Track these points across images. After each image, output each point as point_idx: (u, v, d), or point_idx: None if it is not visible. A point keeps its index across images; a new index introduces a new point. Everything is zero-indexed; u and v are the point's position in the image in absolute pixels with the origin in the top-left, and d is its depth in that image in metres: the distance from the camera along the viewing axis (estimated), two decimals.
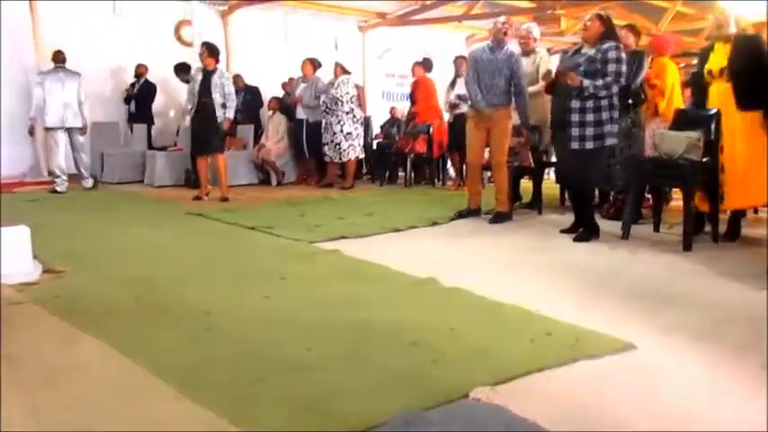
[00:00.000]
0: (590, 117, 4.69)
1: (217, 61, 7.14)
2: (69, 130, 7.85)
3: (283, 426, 1.98)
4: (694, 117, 4.94)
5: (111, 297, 3.35)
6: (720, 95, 4.76)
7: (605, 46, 4.69)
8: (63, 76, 7.78)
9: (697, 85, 5.06)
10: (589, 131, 4.70)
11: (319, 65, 8.65)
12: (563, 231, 5.11)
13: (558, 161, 5.32)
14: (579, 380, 2.37)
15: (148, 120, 9.39)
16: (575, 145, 4.73)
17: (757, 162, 4.60)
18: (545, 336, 2.76)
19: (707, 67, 4.83)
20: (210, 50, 7.10)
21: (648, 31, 10.56)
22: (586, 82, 4.61)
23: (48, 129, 7.77)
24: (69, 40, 8.24)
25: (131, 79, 9.35)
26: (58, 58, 7.82)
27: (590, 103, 4.69)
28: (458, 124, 7.81)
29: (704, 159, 4.67)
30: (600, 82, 4.63)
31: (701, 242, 4.76)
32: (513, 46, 5.91)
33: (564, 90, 4.78)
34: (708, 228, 4.95)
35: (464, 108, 7.40)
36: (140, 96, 9.27)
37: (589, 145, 4.71)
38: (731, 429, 2.01)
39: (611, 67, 4.65)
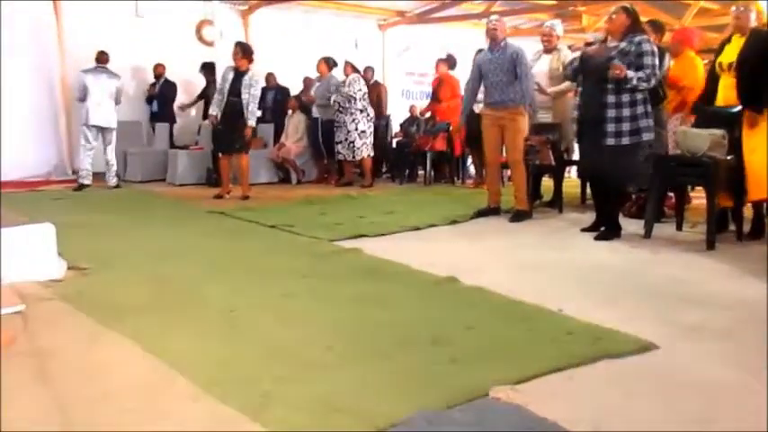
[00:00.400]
0: (626, 112, 4.61)
1: (250, 62, 7.13)
2: (104, 130, 7.98)
3: (304, 424, 1.99)
4: (718, 114, 4.88)
5: (134, 294, 3.39)
6: (726, 90, 4.72)
7: (638, 38, 4.60)
8: (105, 76, 7.97)
9: (709, 77, 4.99)
10: (626, 126, 4.61)
11: (335, 64, 8.68)
12: (584, 230, 5.07)
13: (586, 158, 5.12)
14: (600, 379, 2.36)
15: (170, 119, 9.48)
16: (611, 141, 4.63)
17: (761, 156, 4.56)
18: (566, 335, 2.75)
19: (719, 59, 4.77)
20: (244, 51, 7.12)
21: (671, 26, 10.44)
22: (631, 73, 4.51)
23: (85, 125, 7.90)
24: (93, 39, 8.35)
25: (153, 79, 9.44)
26: (102, 58, 8.00)
27: (626, 98, 4.60)
28: (474, 122, 7.80)
29: (728, 157, 4.62)
30: (642, 74, 4.54)
31: (725, 241, 4.70)
32: (512, 41, 5.89)
33: (595, 84, 4.69)
34: (732, 227, 4.89)
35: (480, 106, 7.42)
36: (162, 96, 9.37)
37: (625, 140, 4.63)
38: (756, 430, 1.99)
39: (648, 60, 4.56)
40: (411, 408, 2.05)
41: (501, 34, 5.77)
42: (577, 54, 5.15)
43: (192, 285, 3.60)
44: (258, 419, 2.00)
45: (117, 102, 8.08)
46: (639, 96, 4.65)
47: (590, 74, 4.78)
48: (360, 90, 8.29)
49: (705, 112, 5.05)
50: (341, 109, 8.28)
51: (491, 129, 5.83)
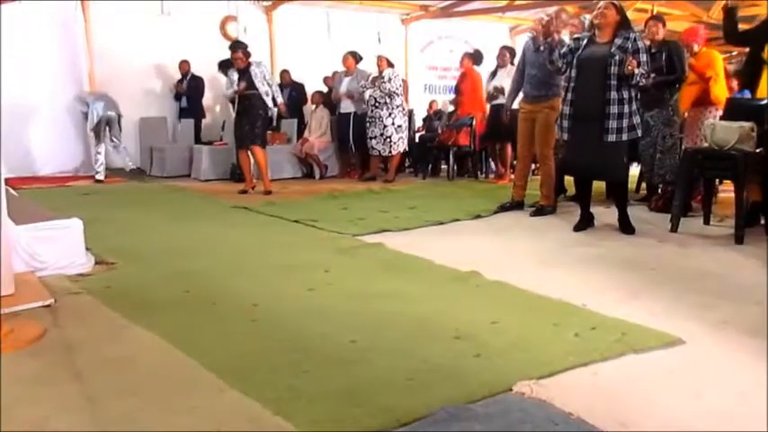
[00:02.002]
0: (626, 108, 4.61)
1: (246, 55, 7.13)
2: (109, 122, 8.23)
3: (327, 418, 2.00)
4: (747, 107, 4.79)
5: (160, 289, 3.43)
6: None
7: (633, 35, 4.63)
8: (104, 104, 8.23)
9: (751, 65, 4.88)
10: (625, 123, 4.61)
11: (360, 58, 8.69)
12: (576, 229, 4.97)
13: (577, 154, 4.85)
14: (625, 375, 2.33)
15: (199, 114, 9.57)
16: (611, 137, 4.60)
17: None
18: (590, 330, 2.73)
19: None
20: (243, 51, 7.13)
21: (699, 18, 10.26)
22: (638, 70, 4.49)
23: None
24: (119, 38, 8.46)
25: (178, 75, 9.52)
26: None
27: (626, 94, 4.60)
28: (495, 115, 7.79)
29: (758, 150, 4.53)
30: (642, 70, 4.54)
31: (754, 235, 4.62)
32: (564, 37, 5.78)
33: (595, 80, 4.63)
34: (762, 221, 4.80)
35: (501, 99, 7.38)
36: (191, 91, 9.44)
37: (624, 137, 4.63)
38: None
39: (643, 57, 4.58)
40: (434, 402, 2.05)
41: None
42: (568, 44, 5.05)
43: (217, 280, 3.63)
44: (281, 413, 2.01)
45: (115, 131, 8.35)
46: (634, 93, 4.66)
47: (588, 69, 4.68)
48: (400, 86, 8.33)
49: (733, 104, 4.97)
50: (377, 104, 8.26)
51: (524, 123, 5.78)
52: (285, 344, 2.63)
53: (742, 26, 5.28)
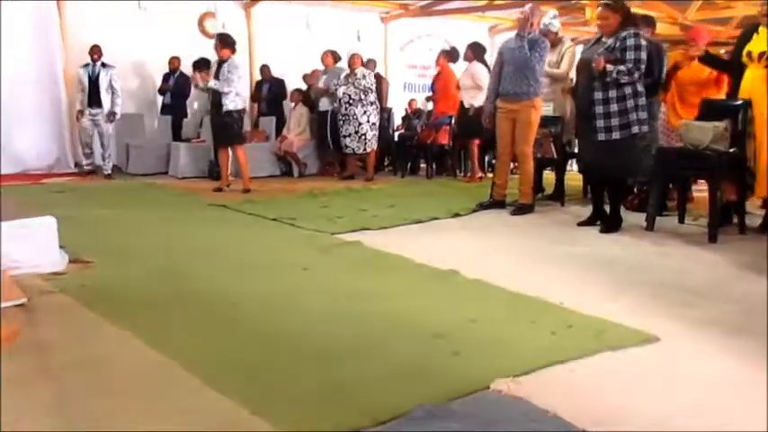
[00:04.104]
0: (614, 107, 4.64)
1: (232, 51, 7.10)
2: (95, 119, 8.10)
3: (305, 416, 2.00)
4: (721, 107, 4.86)
5: (136, 287, 3.40)
6: (755, 80, 4.64)
7: (623, 34, 4.65)
8: (97, 68, 8.17)
9: (732, 66, 4.92)
10: (615, 121, 4.65)
11: (340, 58, 8.69)
12: (581, 224, 5.06)
13: (583, 153, 5.22)
14: (602, 372, 2.36)
15: (181, 112, 9.47)
16: (601, 136, 4.67)
17: None
18: (567, 328, 2.75)
19: (747, 47, 4.70)
20: (223, 41, 7.09)
21: (675, 19, 10.38)
22: (610, 67, 4.55)
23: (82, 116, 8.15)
24: (96, 36, 8.35)
25: (158, 72, 9.41)
26: (94, 53, 8.19)
27: (613, 93, 4.64)
28: (463, 116, 7.86)
29: (731, 149, 4.60)
30: (622, 67, 4.57)
31: (728, 234, 4.69)
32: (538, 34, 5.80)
33: (586, 81, 4.73)
34: (735, 219, 4.87)
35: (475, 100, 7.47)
36: (177, 89, 9.34)
37: (616, 135, 4.66)
38: (756, 423, 1.98)
39: (630, 55, 4.60)
40: (412, 400, 2.05)
41: (529, 25, 5.63)
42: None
43: (194, 278, 3.60)
44: (259, 412, 2.00)
45: (114, 93, 8.25)
46: (629, 90, 4.67)
47: (582, 70, 4.83)
48: (373, 83, 8.34)
49: (708, 104, 5.04)
50: (351, 101, 8.25)
51: (504, 121, 5.78)
52: (263, 343, 2.62)
53: (716, 29, 5.29)
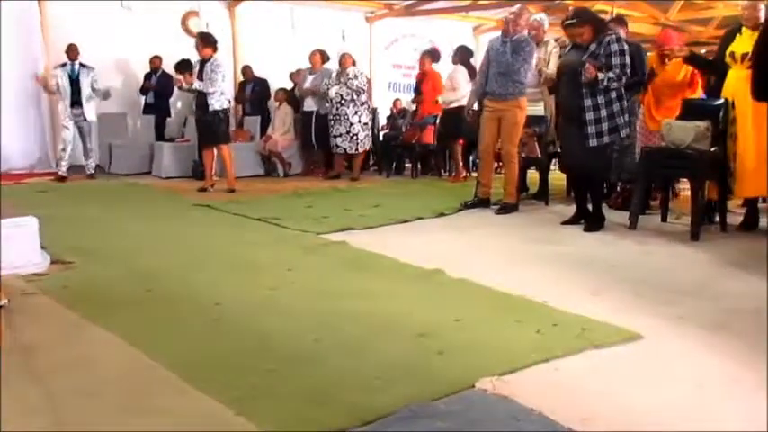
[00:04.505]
0: (604, 112, 4.71)
1: (214, 50, 7.07)
2: (77, 119, 8.00)
3: (290, 417, 1.99)
4: (702, 107, 4.91)
5: (119, 288, 3.37)
6: (738, 81, 4.67)
7: (606, 39, 4.70)
8: (76, 68, 8.02)
9: (716, 67, 4.96)
10: (605, 126, 4.72)
11: (328, 58, 8.67)
12: (564, 223, 5.10)
13: (567, 155, 5.21)
14: (586, 370, 2.37)
15: (165, 112, 9.41)
16: (593, 142, 4.72)
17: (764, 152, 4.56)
18: (551, 326, 2.77)
19: (730, 48, 4.75)
20: (204, 40, 7.06)
21: (657, 19, 10.47)
22: (601, 75, 4.59)
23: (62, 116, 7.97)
24: (78, 35, 8.27)
25: (141, 71, 9.34)
26: (71, 53, 8.01)
27: (601, 99, 4.69)
28: (447, 117, 7.89)
29: (712, 149, 4.65)
30: (611, 74, 4.63)
31: (709, 232, 4.75)
32: (525, 35, 5.81)
33: (573, 87, 4.74)
34: (716, 218, 4.93)
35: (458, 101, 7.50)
36: (160, 88, 9.27)
37: (606, 139, 4.75)
38: (740, 419, 2.01)
39: (616, 60, 4.66)
40: (398, 400, 2.05)
41: (513, 28, 5.68)
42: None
43: (178, 278, 3.58)
44: (244, 413, 1.99)
45: (97, 93, 8.14)
46: (614, 95, 4.74)
47: (566, 76, 4.84)
48: (365, 83, 8.35)
49: (689, 104, 5.08)
50: (342, 101, 8.22)
51: (490, 121, 5.80)
52: (248, 343, 2.61)
53: (697, 29, 5.35)
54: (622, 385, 2.24)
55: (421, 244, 4.54)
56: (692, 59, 5.20)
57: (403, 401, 2.04)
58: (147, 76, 9.29)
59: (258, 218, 5.40)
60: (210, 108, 6.98)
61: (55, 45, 8.47)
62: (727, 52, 4.76)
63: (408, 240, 4.68)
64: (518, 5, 5.87)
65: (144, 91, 9.35)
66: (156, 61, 9.19)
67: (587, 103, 4.70)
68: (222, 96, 7.08)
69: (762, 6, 4.69)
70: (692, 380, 2.29)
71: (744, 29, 4.73)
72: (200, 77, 6.97)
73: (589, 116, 4.71)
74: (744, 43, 4.67)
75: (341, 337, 2.67)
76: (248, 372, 2.31)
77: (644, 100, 5.71)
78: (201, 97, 7.01)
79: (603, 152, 4.78)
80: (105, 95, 8.28)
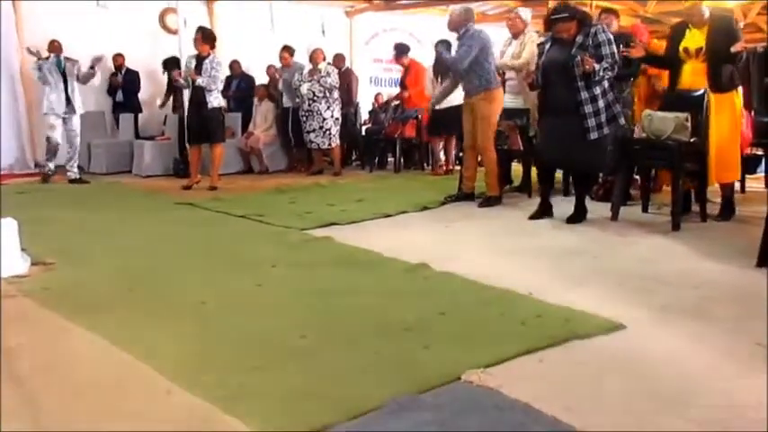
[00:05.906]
0: (602, 103, 4.70)
1: (212, 47, 7.03)
2: (64, 117, 7.80)
3: (278, 413, 1.99)
4: (684, 98, 4.96)
5: (102, 288, 3.34)
6: (696, 74, 4.83)
7: (593, 30, 4.70)
8: (62, 61, 7.79)
9: (670, 62, 5.05)
10: (603, 117, 4.70)
11: (293, 51, 8.71)
12: (531, 217, 5.08)
13: (554, 150, 4.91)
14: (570, 361, 2.39)
15: (136, 109, 9.32)
16: (594, 135, 4.68)
17: (728, 140, 4.78)
18: (536, 318, 2.78)
19: (683, 44, 4.87)
20: (205, 35, 7.00)
21: (636, 12, 10.53)
22: (597, 66, 4.58)
23: (45, 114, 7.72)
24: (54, 32, 8.14)
25: (113, 70, 9.25)
26: (53, 47, 7.81)
27: (597, 90, 4.68)
28: (437, 110, 7.88)
29: (692, 140, 4.70)
30: (605, 64, 4.63)
31: (690, 222, 4.80)
32: (475, 27, 5.82)
33: (565, 82, 4.70)
34: (696, 207, 4.99)
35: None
36: (127, 85, 9.20)
37: (606, 130, 4.74)
38: (723, 406, 2.03)
39: (607, 50, 4.65)
40: (385, 394, 2.06)
41: (454, 26, 5.74)
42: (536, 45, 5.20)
43: (162, 278, 3.55)
44: (231, 411, 1.99)
45: (83, 82, 7.91)
46: (606, 85, 4.76)
47: (554, 72, 4.77)
48: (337, 81, 8.34)
49: (670, 95, 5.14)
50: (315, 98, 8.20)
51: (466, 115, 5.87)
52: (234, 341, 2.60)
53: (677, 21, 5.39)
54: (606, 375, 2.26)
55: (405, 238, 4.55)
56: (647, 60, 5.31)
57: (390, 395, 2.05)
58: (113, 76, 9.21)
59: (242, 215, 5.38)
60: (210, 105, 6.95)
61: (30, 43, 8.35)
62: (681, 48, 4.87)
63: (392, 234, 4.68)
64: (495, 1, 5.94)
65: (113, 90, 9.26)
66: (119, 59, 9.14)
67: (584, 95, 4.67)
68: (219, 94, 7.08)
69: (704, 6, 4.84)
70: (676, 368, 2.32)
71: (691, 26, 4.88)
72: (198, 74, 6.90)
73: (587, 109, 4.67)
74: (695, 39, 4.83)
75: (327, 332, 2.67)
76: (235, 370, 2.30)
77: (639, 92, 5.82)
78: (199, 94, 6.95)
79: (602, 144, 4.76)
80: (88, 77, 7.94)
